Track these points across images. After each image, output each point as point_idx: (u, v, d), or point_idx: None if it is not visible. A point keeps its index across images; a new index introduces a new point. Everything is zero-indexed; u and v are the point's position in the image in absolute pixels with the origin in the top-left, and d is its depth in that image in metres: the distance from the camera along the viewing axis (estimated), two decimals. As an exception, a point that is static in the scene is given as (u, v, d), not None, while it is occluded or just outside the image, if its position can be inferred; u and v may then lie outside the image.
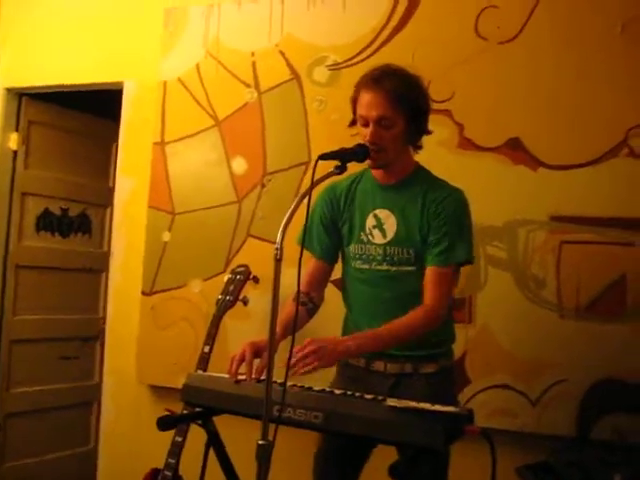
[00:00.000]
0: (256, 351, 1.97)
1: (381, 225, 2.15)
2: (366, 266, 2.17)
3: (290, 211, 1.72)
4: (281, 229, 1.68)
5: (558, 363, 2.71)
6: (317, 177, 1.83)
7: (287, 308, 2.13)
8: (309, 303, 2.24)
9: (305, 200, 1.77)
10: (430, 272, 2.09)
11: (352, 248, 2.20)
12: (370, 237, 2.16)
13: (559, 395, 2.70)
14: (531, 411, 2.73)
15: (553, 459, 2.52)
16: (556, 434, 2.68)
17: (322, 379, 2.16)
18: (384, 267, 2.14)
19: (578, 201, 2.73)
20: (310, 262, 2.27)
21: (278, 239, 1.67)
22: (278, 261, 1.68)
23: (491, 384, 2.77)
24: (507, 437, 2.69)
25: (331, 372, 2.33)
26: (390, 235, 2.14)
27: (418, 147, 2.17)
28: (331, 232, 2.25)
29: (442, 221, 2.08)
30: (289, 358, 1.78)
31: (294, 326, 1.79)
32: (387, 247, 2.14)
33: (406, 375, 2.13)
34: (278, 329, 1.88)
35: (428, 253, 2.09)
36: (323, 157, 1.89)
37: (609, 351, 2.67)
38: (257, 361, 1.95)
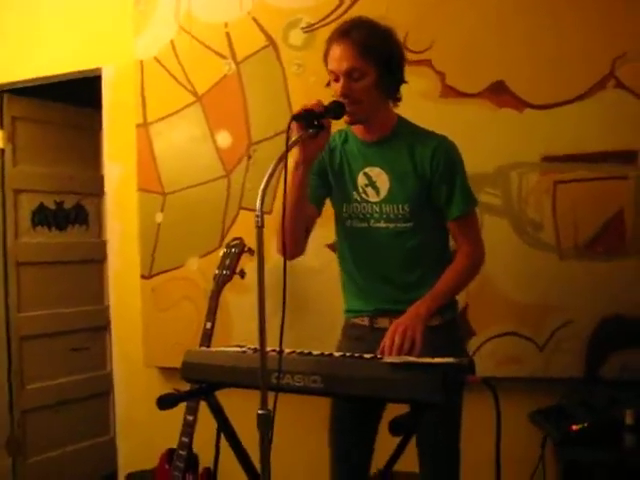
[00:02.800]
0: None
1: (373, 183, 2.12)
2: (364, 224, 2.14)
3: (267, 175, 1.68)
4: (260, 194, 1.64)
5: (562, 305, 2.69)
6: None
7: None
8: None
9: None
10: (456, 225, 2.11)
11: (346, 208, 2.17)
12: (364, 195, 2.13)
13: (566, 337, 2.68)
14: (539, 356, 2.71)
15: (564, 401, 2.51)
16: (566, 377, 2.66)
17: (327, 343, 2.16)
18: (382, 225, 2.12)
19: (568, 139, 2.69)
20: None
21: (257, 205, 1.64)
22: (260, 228, 1.64)
23: (496, 333, 2.76)
24: (517, 384, 2.69)
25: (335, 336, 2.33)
26: (384, 193, 2.10)
27: (397, 99, 2.12)
28: (322, 179, 2.19)
29: (444, 173, 2.06)
30: (281, 326, 1.76)
31: (284, 301, 1.74)
32: (382, 205, 2.11)
33: None
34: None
35: (445, 209, 2.09)
36: (296, 117, 1.86)
37: (613, 288, 2.65)
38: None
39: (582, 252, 2.67)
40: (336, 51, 2.00)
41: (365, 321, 2.19)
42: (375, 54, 1.98)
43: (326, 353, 1.87)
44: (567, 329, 2.67)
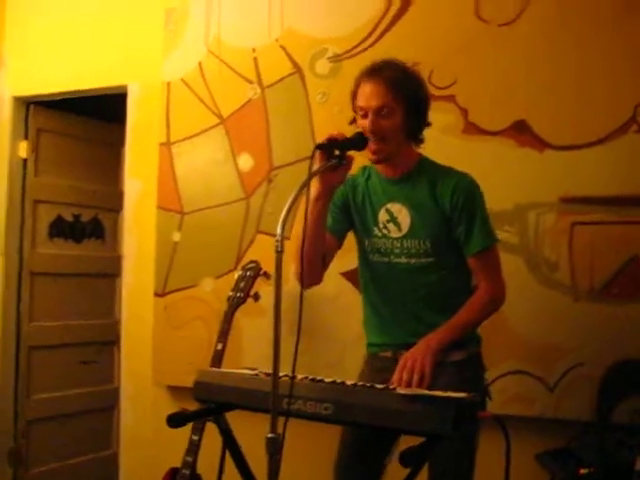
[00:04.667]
0: None
1: (395, 219, 2.14)
2: (385, 259, 2.16)
3: (289, 202, 1.71)
4: (281, 220, 1.67)
5: (574, 347, 2.67)
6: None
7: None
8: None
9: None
10: (475, 261, 2.12)
11: (368, 243, 2.20)
12: (385, 231, 2.15)
13: (576, 379, 2.66)
14: (549, 397, 2.69)
15: (573, 444, 2.49)
16: (575, 419, 2.64)
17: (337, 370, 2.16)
18: (403, 260, 2.13)
19: (587, 181, 2.69)
20: None
21: (278, 231, 1.66)
22: (279, 253, 1.67)
23: (507, 370, 2.74)
24: (526, 424, 2.67)
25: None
26: (405, 228, 2.13)
27: (419, 141, 2.16)
28: (344, 212, 2.23)
29: (464, 209, 2.08)
30: (295, 352, 1.77)
31: (299, 327, 1.75)
32: (404, 240, 2.13)
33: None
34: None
35: (464, 244, 2.10)
36: (320, 147, 1.90)
37: (627, 332, 2.63)
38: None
39: (597, 294, 2.67)
40: (367, 88, 2.04)
41: (388, 353, 2.19)
42: (404, 94, 2.03)
43: (338, 381, 1.87)
44: (579, 371, 2.65)
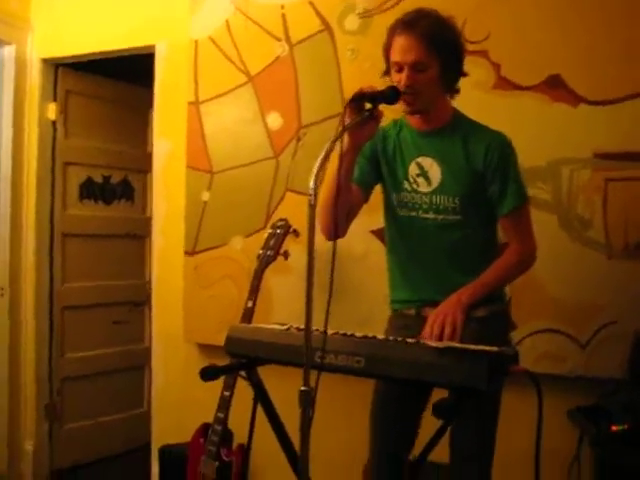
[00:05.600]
0: None
1: (425, 173, 2.12)
2: (413, 213, 2.14)
3: (322, 156, 1.69)
4: (314, 175, 1.65)
5: (607, 305, 2.64)
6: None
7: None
8: None
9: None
10: (507, 221, 2.11)
11: (396, 197, 2.18)
12: (415, 185, 2.13)
13: (609, 337, 2.64)
14: (580, 355, 2.68)
15: (604, 401, 2.47)
16: (607, 377, 2.62)
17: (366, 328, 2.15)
18: (430, 215, 2.12)
19: (622, 136, 2.64)
20: None
21: (311, 185, 1.64)
22: (312, 207, 1.66)
23: (538, 328, 2.73)
24: (557, 382, 2.65)
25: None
26: (435, 183, 2.11)
27: (455, 91, 2.13)
28: (372, 164, 2.20)
29: (497, 168, 2.06)
30: (327, 306, 1.78)
31: (331, 281, 1.74)
32: (433, 196, 2.11)
33: None
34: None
35: (497, 203, 2.09)
36: (353, 100, 1.87)
37: (661, 290, 2.60)
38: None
39: (631, 252, 2.63)
40: (401, 42, 2.00)
41: (412, 311, 2.19)
42: (440, 47, 1.99)
43: (369, 335, 1.87)
44: (611, 329, 2.63)
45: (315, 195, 1.65)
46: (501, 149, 2.08)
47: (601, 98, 2.66)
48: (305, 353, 1.61)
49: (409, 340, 1.82)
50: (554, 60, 2.73)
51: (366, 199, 2.23)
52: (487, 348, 1.67)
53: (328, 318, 1.72)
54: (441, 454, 2.08)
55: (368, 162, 2.19)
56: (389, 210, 2.23)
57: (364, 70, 2.96)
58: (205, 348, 3.43)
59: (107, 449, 4.24)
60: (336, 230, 1.94)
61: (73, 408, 4.12)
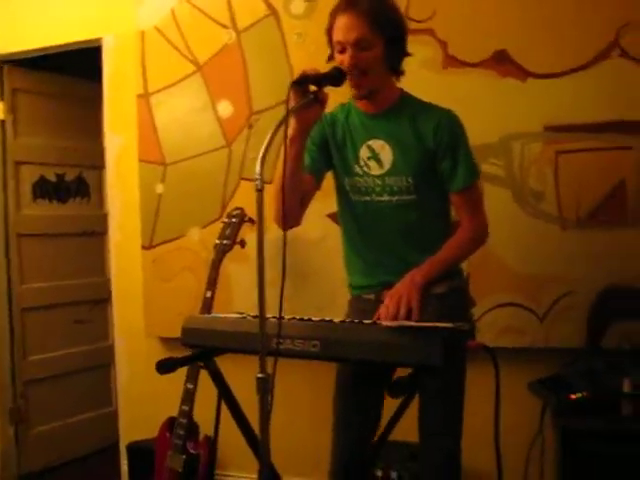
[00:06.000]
0: None
1: (376, 156, 2.10)
2: (367, 198, 2.13)
3: (267, 140, 1.67)
4: (259, 158, 1.63)
5: (563, 276, 2.68)
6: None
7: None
8: None
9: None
10: (458, 197, 2.10)
11: (348, 181, 2.16)
12: (366, 169, 2.11)
13: (566, 308, 2.68)
14: (539, 326, 2.71)
15: (564, 371, 2.51)
16: (566, 347, 2.66)
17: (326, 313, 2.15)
18: (385, 198, 2.11)
19: (571, 108, 2.67)
20: None
21: (257, 169, 1.63)
22: (259, 191, 1.64)
23: (497, 303, 2.76)
24: (517, 354, 2.69)
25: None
26: (387, 165, 2.09)
27: (400, 73, 2.11)
28: (322, 150, 2.18)
29: (448, 146, 2.05)
30: (281, 291, 1.77)
31: (283, 268, 1.73)
32: (385, 177, 2.10)
33: None
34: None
35: (448, 180, 2.08)
36: (297, 82, 1.85)
37: (615, 259, 2.64)
38: None
39: (584, 222, 2.67)
40: (343, 21, 1.97)
41: (371, 295, 2.18)
42: (382, 25, 1.97)
43: (326, 319, 1.87)
44: (568, 299, 2.67)
45: (261, 180, 1.63)
46: (450, 126, 2.07)
47: (548, 71, 2.69)
48: (260, 340, 1.60)
49: (365, 322, 1.82)
50: (500, 36, 2.75)
51: (318, 186, 2.21)
52: (441, 325, 1.68)
53: (282, 304, 1.72)
54: (408, 432, 2.10)
55: (317, 149, 2.17)
56: (342, 195, 2.22)
57: (311, 53, 2.93)
58: (167, 341, 3.40)
59: (77, 450, 4.18)
60: (286, 219, 1.92)
61: (39, 411, 4.05)
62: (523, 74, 2.71)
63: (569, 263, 2.67)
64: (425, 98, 2.16)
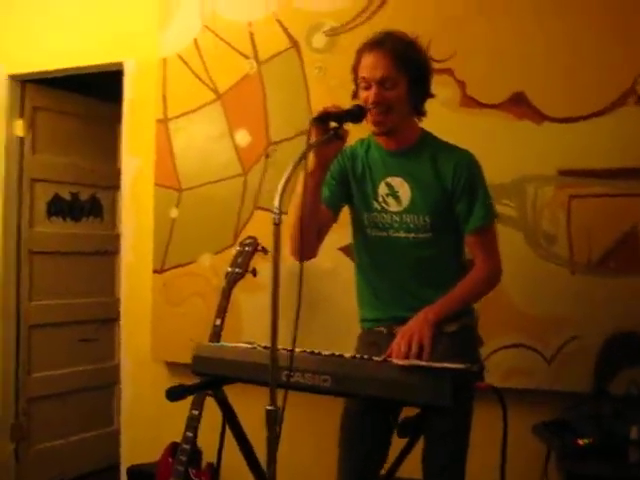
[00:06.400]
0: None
1: (395, 193, 2.13)
2: (383, 234, 2.16)
3: (286, 175, 1.69)
4: (278, 193, 1.66)
5: (572, 319, 2.68)
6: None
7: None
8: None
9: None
10: (473, 238, 2.12)
11: (366, 217, 2.19)
12: (385, 205, 2.14)
13: (574, 351, 2.68)
14: (546, 369, 2.71)
15: (570, 415, 2.50)
16: (572, 391, 2.65)
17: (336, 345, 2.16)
18: (401, 234, 2.13)
19: (586, 153, 2.69)
20: None
21: (275, 204, 1.65)
22: (277, 225, 1.66)
23: (505, 344, 2.76)
24: (523, 396, 2.68)
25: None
26: (405, 203, 2.12)
27: (422, 114, 2.15)
28: (341, 184, 2.21)
29: (465, 187, 2.08)
30: (295, 325, 1.79)
31: (299, 300, 1.75)
32: (403, 215, 2.13)
33: None
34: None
35: (464, 221, 2.11)
36: (317, 120, 1.88)
37: (623, 305, 2.65)
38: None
39: (594, 267, 2.67)
40: (369, 59, 2.03)
41: (382, 329, 2.20)
42: (408, 65, 2.02)
43: (336, 353, 1.88)
44: (576, 343, 2.67)
45: (279, 213, 1.66)
46: (469, 168, 2.10)
47: (564, 115, 2.71)
48: (271, 372, 1.61)
49: (375, 358, 1.83)
50: (518, 78, 2.78)
51: (335, 219, 2.24)
52: (451, 365, 1.68)
53: (296, 337, 1.73)
54: (415, 470, 2.09)
55: (337, 183, 2.20)
56: (359, 230, 2.24)
57: (331, 87, 2.99)
58: (174, 366, 3.40)
59: (77, 469, 4.18)
60: (304, 251, 1.94)
61: (41, 428, 4.05)
62: (539, 117, 2.74)
63: (578, 307, 2.67)
64: (442, 136, 2.20)
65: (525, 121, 2.76)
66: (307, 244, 2.06)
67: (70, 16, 3.80)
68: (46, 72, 3.90)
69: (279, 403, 1.60)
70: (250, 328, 3.15)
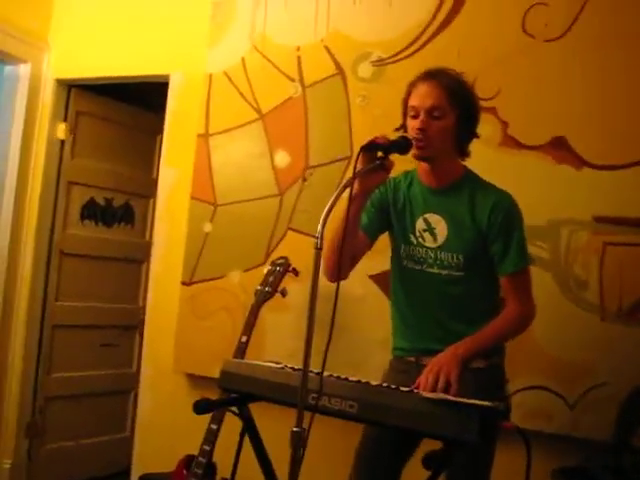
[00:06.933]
0: None
1: (432, 229, 2.16)
2: (418, 267, 2.18)
3: (332, 201, 1.73)
4: (322, 218, 1.69)
5: (598, 366, 2.66)
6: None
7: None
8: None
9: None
10: (508, 281, 2.13)
11: (404, 248, 2.21)
12: (421, 240, 2.17)
13: (598, 399, 2.66)
14: (568, 414, 2.69)
15: (589, 463, 2.48)
16: (593, 438, 2.63)
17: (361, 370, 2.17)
18: (435, 270, 2.15)
19: (622, 202, 2.69)
20: None
21: (319, 228, 1.68)
22: (318, 250, 1.69)
23: (528, 385, 2.74)
24: (543, 439, 2.66)
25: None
26: (441, 240, 2.14)
27: (466, 154, 2.18)
28: (380, 213, 2.24)
29: (501, 228, 2.10)
30: (326, 348, 1.82)
31: (332, 323, 1.78)
32: (438, 251, 2.15)
33: None
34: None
35: (499, 263, 2.11)
36: (365, 147, 1.92)
37: (651, 356, 2.63)
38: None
39: (624, 316, 2.66)
40: (422, 89, 2.07)
41: (412, 358, 2.22)
42: (459, 100, 2.06)
43: (363, 380, 1.89)
44: (600, 390, 2.65)
45: (321, 238, 1.68)
46: (507, 209, 2.12)
47: (604, 163, 2.72)
48: (299, 394, 1.63)
49: (403, 388, 1.84)
50: (560, 121, 2.80)
51: (371, 245, 2.26)
52: (478, 402, 1.69)
53: (326, 361, 1.76)
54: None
55: (376, 211, 2.23)
56: (396, 260, 2.27)
57: (374, 117, 3.02)
58: (194, 379, 3.42)
59: (86, 472, 4.18)
60: (339, 273, 1.97)
61: (55, 428, 4.08)
62: (579, 162, 2.75)
63: (605, 354, 2.66)
64: (481, 174, 2.21)
65: (564, 165, 2.77)
66: (341, 267, 2.07)
67: (121, 25, 3.89)
68: (93, 79, 4.00)
69: (304, 425, 1.62)
70: (273, 347, 3.16)
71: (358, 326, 3.00)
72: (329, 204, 1.72)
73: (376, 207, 2.23)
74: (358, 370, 2.47)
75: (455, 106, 2.05)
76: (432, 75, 2.08)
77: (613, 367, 2.64)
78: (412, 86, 2.10)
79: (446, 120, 2.05)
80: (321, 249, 1.68)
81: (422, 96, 2.06)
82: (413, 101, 2.08)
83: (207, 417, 2.87)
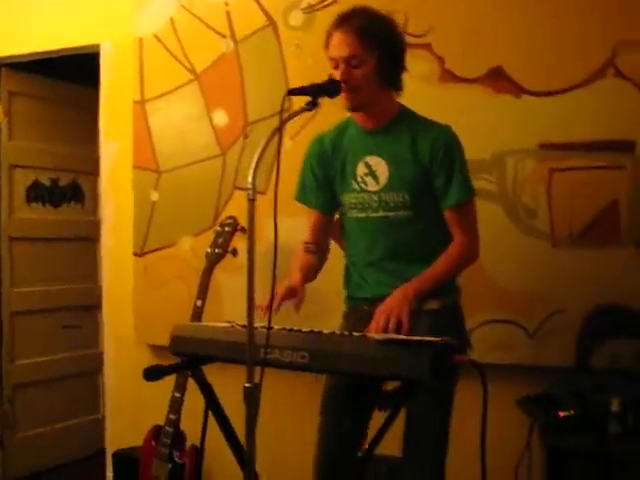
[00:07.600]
0: (290, 293, 2.01)
1: (373, 172, 2.12)
2: (362, 214, 2.15)
3: (260, 149, 1.69)
4: (252, 167, 1.65)
5: (554, 294, 2.68)
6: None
7: (301, 257, 2.19)
8: (318, 252, 2.25)
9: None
10: (451, 214, 2.11)
11: (346, 197, 2.18)
12: (363, 185, 2.13)
13: (557, 326, 2.68)
14: (529, 343, 2.71)
15: (552, 389, 2.51)
16: (555, 365, 2.66)
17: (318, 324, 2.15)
18: (380, 214, 2.12)
19: (566, 127, 2.67)
20: (311, 214, 2.27)
21: (249, 178, 1.64)
22: (251, 201, 1.65)
23: (487, 319, 2.75)
24: (506, 371, 2.68)
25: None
26: (383, 181, 2.10)
27: (399, 88, 2.13)
28: (325, 185, 2.22)
29: (443, 162, 2.06)
30: (271, 300, 1.79)
31: (274, 277, 1.75)
32: (381, 193, 2.11)
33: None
34: (298, 276, 2.08)
35: (442, 196, 2.09)
36: (292, 92, 1.88)
37: (606, 277, 2.64)
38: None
39: (576, 240, 2.67)
40: (336, 38, 2.02)
41: (365, 307, 2.19)
42: (375, 41, 2.00)
43: (315, 330, 1.86)
44: (558, 317, 2.66)
45: (254, 189, 1.64)
46: (447, 143, 2.08)
47: (543, 89, 2.70)
48: (248, 349, 1.60)
49: (354, 334, 1.82)
50: (496, 52, 2.76)
51: (332, 218, 2.30)
52: (430, 339, 1.67)
53: (271, 315, 1.73)
54: (395, 448, 2.09)
55: (317, 182, 2.23)
56: (343, 212, 2.24)
57: (309, 65, 2.96)
58: (157, 349, 3.38)
59: (64, 456, 4.16)
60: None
61: (27, 415, 4.03)
62: (518, 91, 2.72)
63: (560, 281, 2.67)
64: (421, 111, 2.17)
65: (504, 95, 2.74)
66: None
67: (44, -1, 3.75)
68: (22, 56, 3.85)
69: (257, 380, 1.60)
70: (231, 308, 3.12)
71: (324, 283, 2.96)
72: (257, 153, 1.67)
73: (317, 178, 2.21)
74: (315, 323, 2.45)
75: (373, 47, 1.99)
76: (344, 20, 2.02)
77: (569, 293, 2.66)
78: (329, 36, 2.05)
79: (366, 66, 2.00)
80: (254, 200, 1.65)
81: (337, 46, 2.01)
82: (331, 52, 2.03)
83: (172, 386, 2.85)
